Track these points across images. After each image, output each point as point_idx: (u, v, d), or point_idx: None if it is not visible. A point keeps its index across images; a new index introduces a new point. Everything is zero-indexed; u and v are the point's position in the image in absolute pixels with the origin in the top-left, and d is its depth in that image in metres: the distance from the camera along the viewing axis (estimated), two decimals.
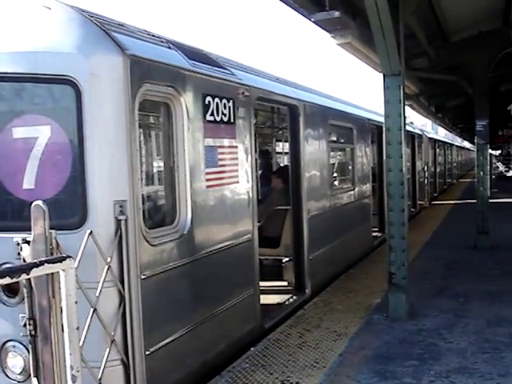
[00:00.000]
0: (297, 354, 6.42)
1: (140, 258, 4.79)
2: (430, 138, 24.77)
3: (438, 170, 28.08)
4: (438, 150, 28.37)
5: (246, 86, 6.85)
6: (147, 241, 4.92)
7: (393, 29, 7.01)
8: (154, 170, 5.88)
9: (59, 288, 3.25)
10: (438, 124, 32.94)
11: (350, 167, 12.03)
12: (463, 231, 14.75)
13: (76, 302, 2.93)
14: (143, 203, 4.99)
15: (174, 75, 5.45)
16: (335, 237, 10.30)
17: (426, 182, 22.55)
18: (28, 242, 4.30)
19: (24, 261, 4.33)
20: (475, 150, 13.38)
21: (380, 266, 10.81)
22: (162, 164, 5.71)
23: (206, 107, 5.88)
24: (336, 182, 11.70)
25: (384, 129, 7.78)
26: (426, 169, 22.56)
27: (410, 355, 6.29)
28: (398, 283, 7.64)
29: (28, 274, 2.64)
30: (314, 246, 8.94)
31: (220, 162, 6.17)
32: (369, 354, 6.37)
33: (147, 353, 4.88)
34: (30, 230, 4.16)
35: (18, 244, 4.45)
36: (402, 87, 7.55)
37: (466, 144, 68.17)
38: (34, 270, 2.64)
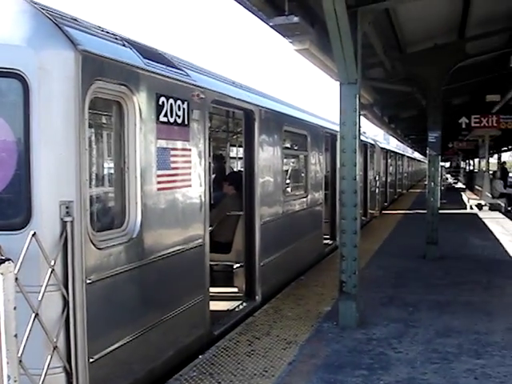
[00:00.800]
0: (246, 362, 6.31)
1: (86, 262, 4.60)
2: (382, 148, 25.06)
3: (389, 179, 28.44)
4: (389, 160, 28.73)
5: (202, 88, 6.73)
6: (94, 244, 4.74)
7: (351, 37, 7.00)
8: (104, 171, 5.69)
9: None
10: (391, 134, 33.44)
11: (304, 174, 12.01)
12: (413, 241, 14.93)
13: (15, 308, 2.76)
14: (91, 205, 4.80)
15: (128, 73, 5.29)
16: (287, 243, 10.25)
17: (377, 191, 22.78)
18: None
19: None
20: (425, 161, 13.57)
21: (331, 273, 10.83)
22: (112, 165, 5.53)
23: (159, 108, 5.73)
24: (289, 189, 11.68)
25: (339, 137, 7.76)
26: (377, 178, 22.80)
27: (360, 365, 6.25)
28: (348, 292, 7.62)
29: None
30: (265, 252, 8.87)
31: (172, 165, 6.03)
32: (319, 363, 6.31)
33: (91, 360, 4.70)
34: None
35: None
36: (358, 96, 7.55)
37: (417, 155, 69.51)
38: None
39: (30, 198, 4.35)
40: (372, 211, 21.29)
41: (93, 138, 5.30)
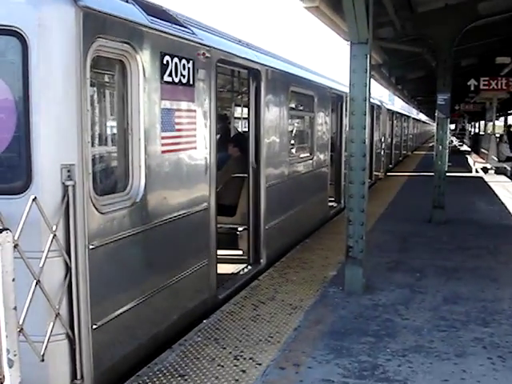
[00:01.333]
0: (251, 327, 6.24)
1: (88, 227, 4.47)
2: (388, 109, 24.75)
3: (394, 141, 28.16)
4: (395, 121, 28.41)
5: (207, 46, 6.50)
6: (97, 208, 4.60)
7: None
8: (106, 133, 5.50)
9: None
10: (397, 95, 33.01)
11: (310, 136, 11.81)
12: (418, 204, 14.79)
13: (13, 280, 2.63)
14: (93, 168, 4.64)
15: (131, 31, 5.07)
16: (292, 206, 10.13)
17: (382, 153, 22.57)
18: None
19: None
20: (431, 123, 13.37)
21: (336, 237, 10.75)
22: (114, 126, 5.35)
23: (163, 67, 5.53)
24: (295, 151, 11.47)
25: (348, 98, 7.54)
26: (382, 140, 22.56)
27: (366, 331, 6.17)
28: (355, 257, 7.51)
29: None
30: (270, 215, 8.75)
31: (177, 127, 5.85)
32: (324, 329, 6.23)
33: (94, 326, 4.61)
34: None
35: None
36: (368, 56, 7.30)
37: (422, 116, 68.93)
38: None
39: (30, 162, 4.19)
40: (377, 173, 21.12)
41: (95, 98, 5.10)
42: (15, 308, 2.67)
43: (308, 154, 11.60)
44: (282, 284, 7.81)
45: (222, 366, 5.27)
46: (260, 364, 5.33)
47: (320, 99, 11.82)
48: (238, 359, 5.43)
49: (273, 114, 8.84)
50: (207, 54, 6.42)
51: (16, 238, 3.66)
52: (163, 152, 5.57)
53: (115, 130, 5.36)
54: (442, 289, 7.75)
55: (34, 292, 4.07)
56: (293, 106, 10.61)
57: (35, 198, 4.03)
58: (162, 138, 5.54)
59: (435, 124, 13.40)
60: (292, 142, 10.80)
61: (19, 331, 3.20)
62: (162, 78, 5.50)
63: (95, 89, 5.09)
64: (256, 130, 8.31)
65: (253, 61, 8.10)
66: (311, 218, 11.68)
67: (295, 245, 10.15)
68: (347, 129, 13.26)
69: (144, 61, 5.18)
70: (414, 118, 47.69)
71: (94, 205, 4.55)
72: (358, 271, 7.51)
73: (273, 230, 8.88)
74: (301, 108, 11.88)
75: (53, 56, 4.26)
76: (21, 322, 3.66)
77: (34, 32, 4.20)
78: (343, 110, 14.36)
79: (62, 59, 4.30)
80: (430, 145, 56.79)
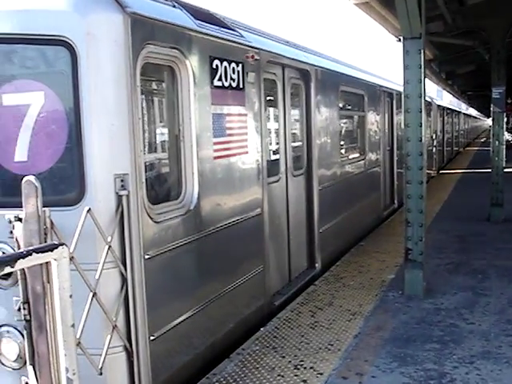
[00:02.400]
0: (309, 334, 6.07)
1: (143, 237, 4.38)
2: (438, 105, 24.18)
3: (445, 138, 27.51)
4: (445, 117, 27.76)
5: (256, 49, 6.37)
6: (151, 217, 4.52)
7: None
8: (158, 141, 5.43)
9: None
10: (448, 91, 32.27)
11: (361, 135, 11.58)
12: (474, 202, 14.35)
13: (71, 296, 2.53)
14: (146, 177, 4.55)
15: (180, 36, 4.98)
16: (346, 208, 9.91)
17: (434, 150, 22.04)
18: (21, 220, 3.91)
19: (16, 240, 3.95)
20: (482, 118, 12.94)
21: (391, 238, 10.50)
22: (165, 133, 5.27)
23: (213, 71, 5.42)
24: (346, 151, 11.24)
25: (403, 96, 7.29)
26: (434, 137, 22.03)
27: (430, 337, 5.93)
28: (414, 259, 7.25)
29: (13, 267, 2.24)
30: (324, 218, 8.56)
31: (228, 131, 5.73)
32: (386, 336, 6.01)
33: (152, 338, 4.52)
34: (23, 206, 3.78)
35: (10, 222, 4.07)
36: (422, 51, 7.05)
37: (472, 111, 67.32)
38: (20, 261, 2.24)
39: (83, 172, 4.13)
40: (429, 171, 20.62)
41: (145, 105, 5.02)
42: (73, 325, 2.57)
43: (360, 154, 11.36)
44: (338, 289, 7.61)
45: (283, 376, 5.12)
46: (321, 374, 5.15)
47: (370, 98, 11.57)
48: (299, 368, 5.27)
49: (323, 114, 8.65)
50: (256, 57, 6.29)
51: (71, 250, 3.59)
52: (215, 158, 5.46)
53: (166, 137, 5.28)
54: (506, 291, 7.41)
55: (90, 305, 4.01)
56: (343, 105, 10.40)
57: (89, 209, 3.97)
58: (214, 143, 5.43)
59: (489, 119, 12.96)
60: (343, 142, 10.58)
61: (77, 345, 3.13)
62: (211, 82, 5.39)
63: (145, 96, 5.01)
64: (307, 131, 8.15)
65: (302, 61, 7.94)
66: (364, 220, 11.43)
67: (349, 248, 9.92)
68: (399, 127, 12.99)
69: (194, 66, 5.08)
70: (464, 114, 46.62)
71: (148, 214, 4.46)
72: (418, 274, 7.25)
73: (327, 233, 8.68)
74: (351, 107, 11.64)
75: (102, 64, 4.19)
76: (78, 336, 3.59)
77: (83, 41, 4.14)
78: (393, 108, 14.07)
79: (111, 67, 4.23)
80: (482, 140, 55.45)
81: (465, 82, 30.63)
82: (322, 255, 8.48)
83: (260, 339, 5.96)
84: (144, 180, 4.43)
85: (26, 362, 4.15)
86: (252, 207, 6.25)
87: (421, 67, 7.05)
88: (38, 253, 2.33)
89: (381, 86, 12.73)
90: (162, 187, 5.26)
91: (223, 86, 5.61)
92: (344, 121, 10.81)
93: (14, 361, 4.40)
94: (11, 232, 4.06)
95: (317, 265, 8.39)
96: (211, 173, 5.40)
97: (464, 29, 12.84)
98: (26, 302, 3.92)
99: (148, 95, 5.28)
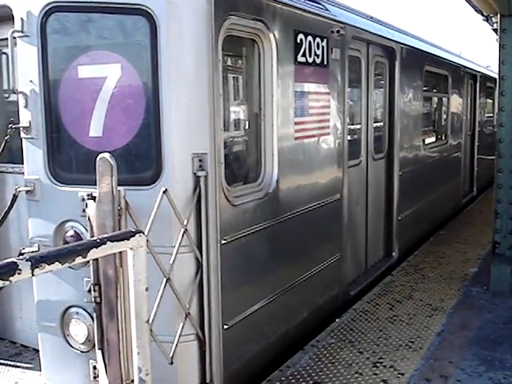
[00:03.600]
0: (388, 329, 5.71)
1: (220, 221, 4.13)
2: None
3: None
4: None
5: (341, 23, 5.98)
6: (229, 200, 4.26)
7: None
8: (237, 119, 5.14)
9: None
10: None
11: (443, 119, 11.00)
12: None
13: (147, 289, 2.29)
14: (225, 157, 4.29)
15: (264, 8, 4.66)
16: (425, 195, 9.42)
17: None
18: (94, 198, 3.73)
19: (89, 220, 3.78)
20: None
21: (471, 228, 9.98)
22: (245, 112, 4.98)
23: (297, 46, 5.09)
24: (429, 135, 10.68)
25: (498, 77, 6.74)
26: None
27: None
28: (502, 253, 6.75)
29: (85, 257, 2.01)
30: (403, 204, 8.12)
31: (310, 111, 5.40)
32: (471, 335, 5.59)
33: (225, 327, 4.29)
34: (96, 184, 3.59)
35: (83, 200, 3.90)
36: None
37: None
38: (94, 250, 2.00)
39: (160, 151, 3.88)
40: None
41: (226, 80, 4.74)
42: (148, 321, 2.33)
43: (442, 139, 10.80)
44: (418, 281, 7.20)
45: (361, 374, 4.80)
46: (402, 374, 4.80)
47: (454, 79, 10.96)
48: (378, 366, 4.93)
49: (407, 95, 8.19)
50: (341, 32, 5.90)
51: (146, 232, 3.37)
52: (296, 138, 5.15)
53: (246, 115, 4.99)
54: None
55: (163, 290, 3.80)
56: (427, 86, 9.85)
57: (166, 190, 3.74)
58: (296, 123, 5.12)
59: None
60: (425, 125, 10.05)
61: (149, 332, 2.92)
62: (295, 58, 5.06)
63: (226, 71, 4.73)
64: (390, 113, 7.71)
65: (387, 38, 7.49)
66: (443, 208, 10.88)
67: (426, 237, 9.44)
68: (481, 111, 12.31)
69: (277, 40, 4.76)
70: None
71: (226, 197, 4.20)
72: (506, 270, 6.76)
73: (405, 220, 8.25)
74: (435, 89, 11.04)
75: (183, 36, 3.93)
76: (150, 322, 3.39)
77: (163, 10, 3.87)
78: (477, 91, 13.36)
79: (192, 39, 3.97)
80: None
81: None
82: (399, 244, 8.07)
83: (335, 331, 5.65)
84: (223, 160, 4.16)
85: (94, 346, 4.03)
86: (332, 192, 5.92)
87: None
88: (112, 241, 2.08)
89: (465, 67, 12.05)
90: (240, 168, 4.97)
91: (307, 63, 5.27)
92: (427, 103, 10.27)
93: (82, 343, 4.26)
94: (84, 210, 3.91)
95: (394, 254, 7.99)
96: (291, 154, 5.09)
97: None
98: (97, 283, 3.76)
99: (229, 70, 5.00)
